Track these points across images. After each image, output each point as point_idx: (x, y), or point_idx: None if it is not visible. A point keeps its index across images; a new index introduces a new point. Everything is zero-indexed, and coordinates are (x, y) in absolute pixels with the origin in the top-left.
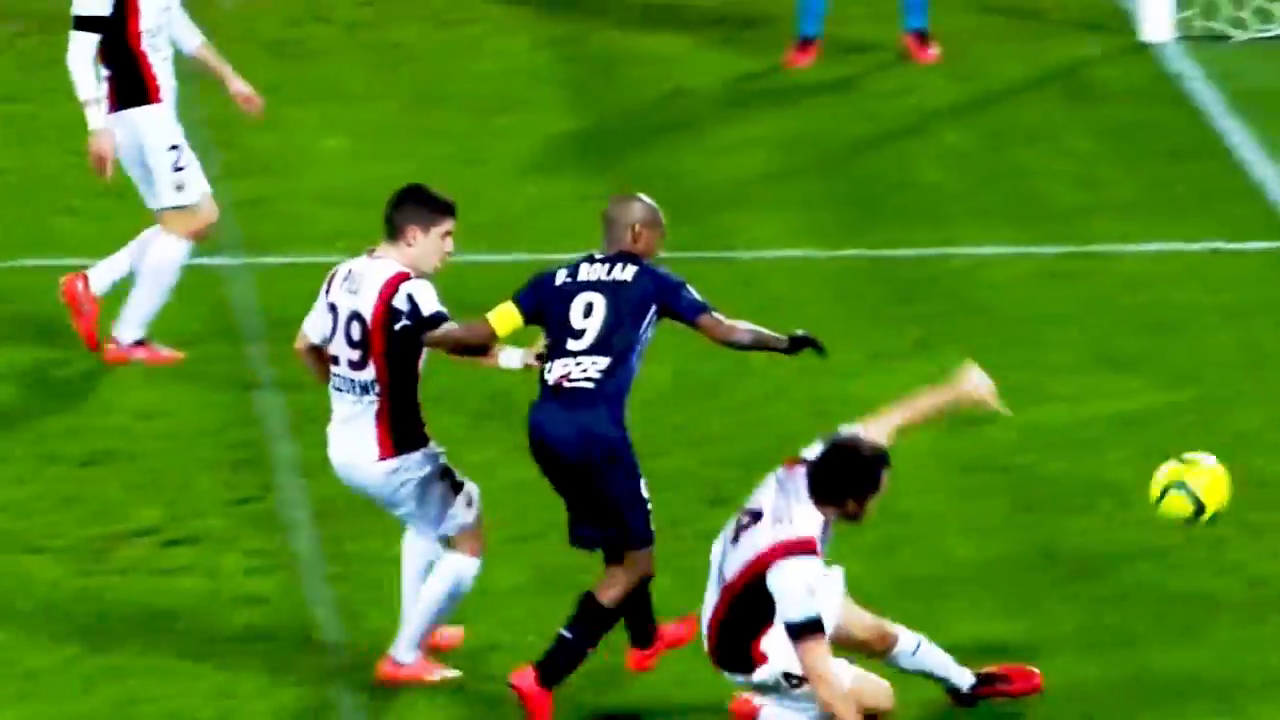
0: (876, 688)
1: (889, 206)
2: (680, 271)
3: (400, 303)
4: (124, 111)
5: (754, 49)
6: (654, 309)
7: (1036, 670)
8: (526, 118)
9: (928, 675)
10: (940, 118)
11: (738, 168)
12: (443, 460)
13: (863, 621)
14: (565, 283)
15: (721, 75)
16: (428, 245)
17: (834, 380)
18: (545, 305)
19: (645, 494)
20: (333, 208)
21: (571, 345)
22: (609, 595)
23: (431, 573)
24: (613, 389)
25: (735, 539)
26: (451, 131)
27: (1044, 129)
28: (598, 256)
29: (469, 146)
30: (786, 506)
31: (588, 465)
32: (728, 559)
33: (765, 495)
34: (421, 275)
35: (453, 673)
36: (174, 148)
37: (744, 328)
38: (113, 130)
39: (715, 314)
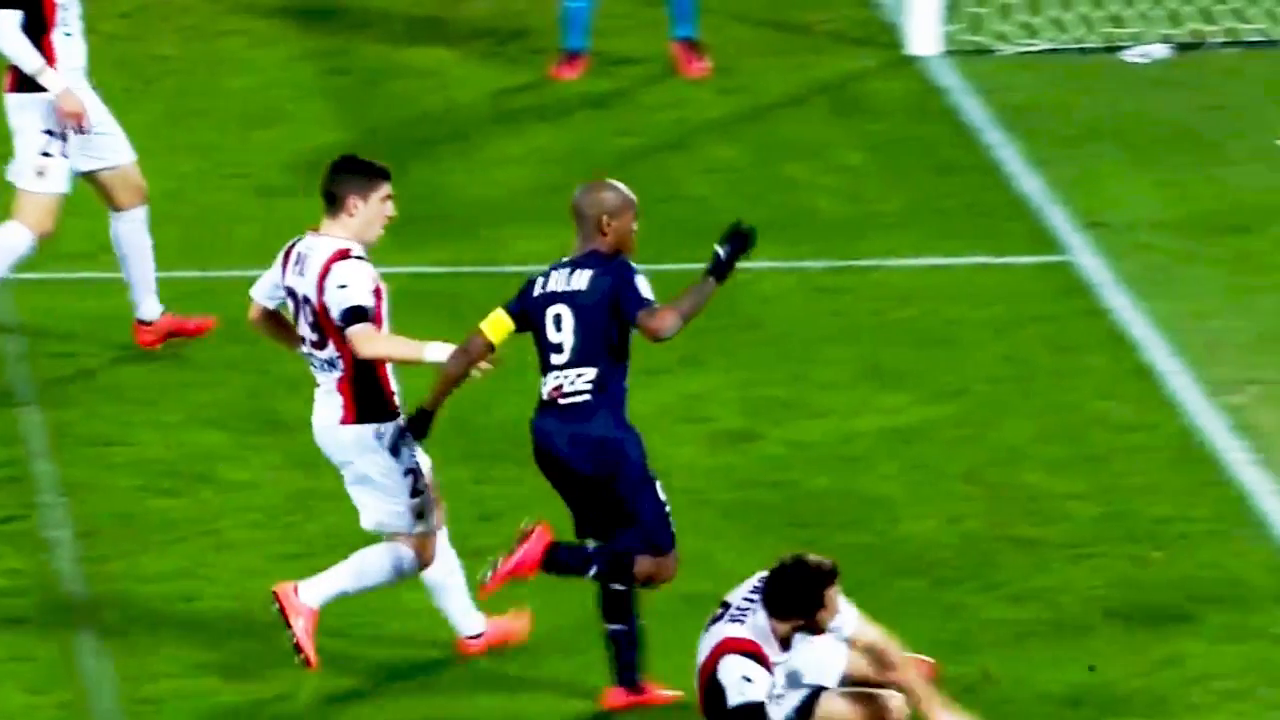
0: (894, 703)
1: (656, 220)
2: (448, 286)
3: (332, 299)
4: (20, 94)
5: (520, 62)
6: (611, 310)
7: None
8: (289, 131)
9: None
10: (708, 131)
11: (505, 181)
12: (414, 455)
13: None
14: (539, 294)
15: (488, 88)
16: (369, 212)
17: None
18: (529, 315)
19: (662, 496)
20: (91, 222)
21: (554, 360)
22: (641, 565)
23: (376, 546)
24: (610, 393)
25: (708, 629)
26: (211, 145)
27: (812, 143)
28: (565, 260)
29: (229, 160)
30: (748, 608)
31: (600, 474)
32: (701, 646)
33: (739, 591)
34: (365, 244)
35: (308, 661)
36: (49, 133)
37: (670, 321)
38: (71, 87)
39: (650, 309)
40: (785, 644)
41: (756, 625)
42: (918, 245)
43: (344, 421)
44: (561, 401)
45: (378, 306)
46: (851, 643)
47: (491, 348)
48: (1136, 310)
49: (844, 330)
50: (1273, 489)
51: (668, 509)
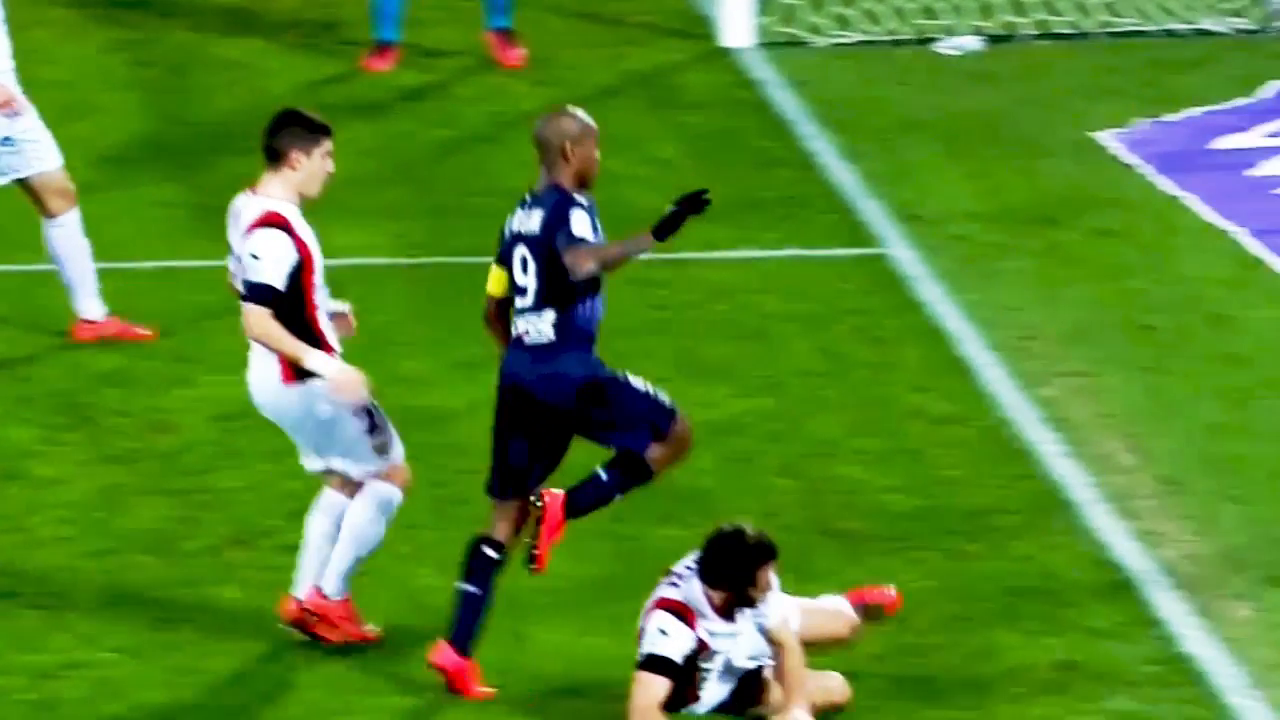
0: (834, 682)
1: (472, 213)
2: None
3: (246, 265)
4: None
5: (331, 53)
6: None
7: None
8: (98, 124)
9: None
10: (523, 124)
11: None
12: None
13: (837, 622)
14: (509, 236)
15: (298, 80)
16: (311, 167)
17: (415, 390)
18: (505, 259)
19: (641, 387)
20: None
21: (519, 303)
22: (653, 454)
23: (354, 503)
24: (575, 335)
25: (652, 595)
26: None
27: (627, 136)
28: (527, 198)
29: None
30: (685, 575)
31: (572, 407)
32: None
33: (684, 560)
34: (306, 198)
35: (374, 632)
36: None
37: (584, 263)
38: None
39: (573, 247)
40: (725, 614)
41: (690, 590)
42: (733, 238)
43: (286, 380)
44: (528, 343)
45: (307, 273)
46: (767, 633)
47: (502, 303)
48: (950, 303)
49: (660, 323)
50: (1085, 481)
51: (651, 390)
